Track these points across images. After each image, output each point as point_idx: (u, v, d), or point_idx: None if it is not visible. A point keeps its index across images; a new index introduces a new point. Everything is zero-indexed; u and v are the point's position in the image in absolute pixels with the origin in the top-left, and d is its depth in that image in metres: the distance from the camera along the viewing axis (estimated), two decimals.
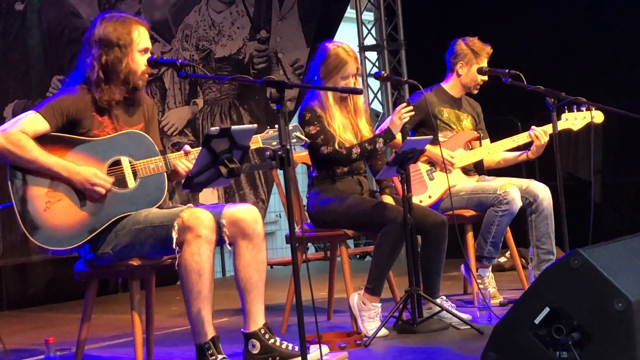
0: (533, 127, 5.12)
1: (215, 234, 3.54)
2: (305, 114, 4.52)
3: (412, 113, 4.51)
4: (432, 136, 4.72)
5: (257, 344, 3.63)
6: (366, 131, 4.62)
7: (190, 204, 3.69)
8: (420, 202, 4.98)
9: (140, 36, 3.71)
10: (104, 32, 3.67)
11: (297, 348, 3.58)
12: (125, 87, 3.72)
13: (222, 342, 3.62)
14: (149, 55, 3.74)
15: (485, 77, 5.25)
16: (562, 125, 5.07)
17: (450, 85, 5.33)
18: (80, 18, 7.00)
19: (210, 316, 3.53)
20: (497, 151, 5.26)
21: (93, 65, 3.67)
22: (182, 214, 3.52)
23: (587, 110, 5.01)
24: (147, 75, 3.76)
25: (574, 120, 5.11)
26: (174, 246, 3.50)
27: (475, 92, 5.33)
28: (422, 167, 5.13)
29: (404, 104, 4.51)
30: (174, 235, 3.50)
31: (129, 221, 3.62)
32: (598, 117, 5.05)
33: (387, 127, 4.51)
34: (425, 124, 5.13)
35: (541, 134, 5.07)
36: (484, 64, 5.23)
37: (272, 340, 3.64)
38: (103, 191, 3.57)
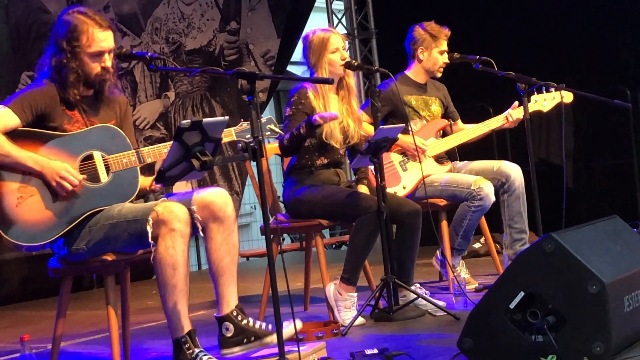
0: (509, 111, 5.19)
1: (190, 226, 3.52)
2: (294, 95, 4.53)
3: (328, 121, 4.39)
4: (404, 125, 4.73)
5: (231, 327, 3.60)
6: (355, 116, 4.62)
7: (164, 197, 3.67)
8: (395, 193, 4.99)
9: (91, 40, 3.63)
10: (57, 31, 3.66)
11: (270, 327, 3.58)
12: (85, 86, 3.69)
13: (200, 335, 3.61)
14: (105, 56, 3.66)
15: (446, 59, 5.26)
16: (532, 107, 5.10)
17: (414, 72, 5.34)
18: (48, 13, 6.94)
19: (186, 310, 3.52)
20: (469, 138, 5.27)
21: (49, 64, 3.66)
22: (156, 207, 3.51)
23: (556, 90, 5.04)
24: (106, 76, 3.69)
25: (543, 101, 5.15)
26: (149, 240, 3.48)
27: (439, 75, 5.33)
28: (394, 158, 5.14)
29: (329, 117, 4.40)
30: (149, 229, 3.48)
31: (102, 216, 3.60)
32: (567, 97, 5.10)
33: (310, 119, 4.36)
34: (395, 114, 5.14)
35: (515, 120, 5.15)
36: (444, 46, 5.25)
37: (245, 321, 3.61)
38: (69, 187, 3.54)
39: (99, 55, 3.66)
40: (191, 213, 3.56)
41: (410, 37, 5.30)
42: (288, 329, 3.47)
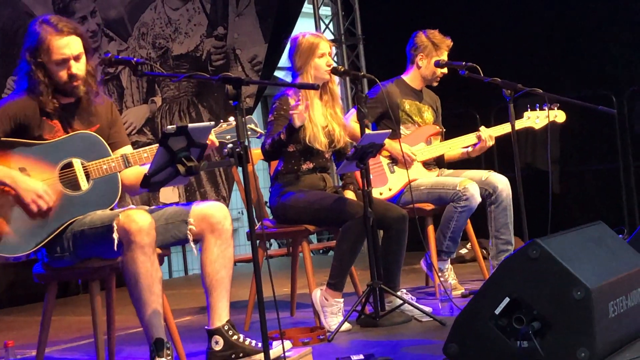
0: (482, 128, 5.19)
1: (152, 235, 3.46)
2: (275, 102, 4.53)
3: (305, 113, 4.33)
4: (390, 130, 4.74)
5: (220, 341, 3.62)
6: (340, 121, 4.63)
7: (132, 205, 3.65)
8: (381, 194, 5.01)
9: (52, 48, 3.59)
10: (26, 43, 3.64)
11: (260, 345, 3.58)
12: (60, 94, 3.66)
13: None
14: (70, 63, 3.62)
15: (445, 70, 5.28)
16: (523, 123, 5.19)
17: (411, 77, 5.35)
18: (34, 18, 6.92)
19: (156, 319, 3.48)
20: (456, 146, 5.29)
21: (22, 73, 3.65)
22: (119, 215, 3.47)
23: (549, 109, 5.09)
24: (76, 82, 3.65)
25: (535, 118, 5.20)
26: (114, 248, 3.46)
27: (435, 84, 5.36)
28: (383, 160, 5.15)
29: (300, 102, 4.40)
30: (115, 236, 3.45)
31: (76, 224, 3.57)
32: (560, 116, 5.18)
33: (289, 122, 4.37)
34: (387, 116, 5.15)
35: (487, 138, 5.15)
36: (444, 56, 5.26)
37: (235, 337, 3.63)
38: (44, 207, 3.52)
39: (62, 62, 3.61)
40: (186, 224, 3.56)
41: (412, 43, 5.31)
42: (277, 349, 3.48)
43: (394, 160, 5.16)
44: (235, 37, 8.48)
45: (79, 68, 3.65)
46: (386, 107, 5.04)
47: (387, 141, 4.80)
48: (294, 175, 4.58)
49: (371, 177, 4.54)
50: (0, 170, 3.52)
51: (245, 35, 8.55)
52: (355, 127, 4.78)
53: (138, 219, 3.44)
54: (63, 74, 3.63)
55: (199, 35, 8.26)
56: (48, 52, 3.60)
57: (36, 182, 3.54)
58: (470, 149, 5.26)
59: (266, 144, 4.42)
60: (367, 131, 4.43)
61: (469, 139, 5.25)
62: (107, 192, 3.63)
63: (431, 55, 5.24)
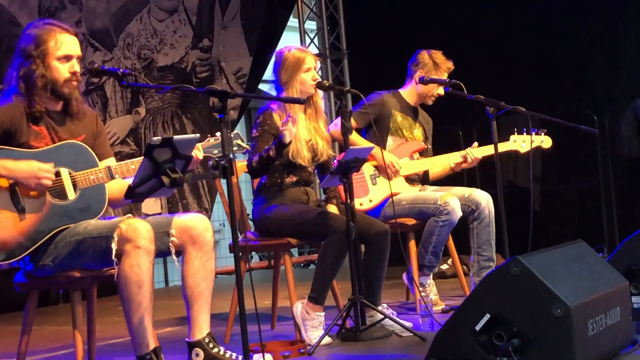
0: (469, 149, 5.23)
1: (155, 244, 3.51)
2: (259, 116, 4.53)
3: (293, 128, 4.33)
4: (373, 146, 4.76)
5: (201, 353, 3.62)
6: (323, 135, 4.65)
7: (130, 214, 3.66)
8: (361, 204, 5.05)
9: (59, 43, 3.64)
10: (25, 42, 3.65)
11: (240, 358, 3.58)
12: (53, 96, 3.68)
13: (165, 352, 3.60)
14: (73, 61, 3.67)
15: (442, 91, 5.33)
16: (509, 146, 5.26)
17: (408, 92, 5.41)
18: (19, 27, 6.91)
19: (151, 327, 3.51)
20: (440, 164, 5.33)
21: (15, 76, 3.65)
22: (120, 224, 3.49)
23: (536, 134, 5.18)
24: (74, 83, 3.69)
25: (522, 142, 5.25)
26: (112, 257, 3.46)
27: (430, 103, 5.40)
28: (366, 170, 5.18)
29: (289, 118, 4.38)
30: (113, 246, 3.46)
31: (68, 233, 3.57)
32: (546, 142, 5.25)
33: (279, 139, 4.35)
34: (378, 123, 5.19)
35: (474, 159, 5.22)
36: (444, 77, 5.30)
37: (215, 350, 3.63)
38: (49, 183, 3.52)
39: (67, 58, 3.65)
40: (168, 235, 3.57)
41: (414, 59, 5.37)
42: None
43: (377, 170, 5.19)
44: (220, 50, 8.50)
45: (78, 68, 3.69)
46: (379, 114, 5.09)
47: (377, 151, 4.85)
48: (277, 188, 4.59)
49: None
50: None
51: (231, 48, 8.58)
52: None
53: (141, 227, 3.47)
54: (64, 71, 3.65)
55: (184, 47, 8.28)
56: (56, 47, 3.63)
57: (29, 164, 3.51)
58: (452, 164, 5.31)
59: (253, 161, 4.40)
60: (351, 146, 4.45)
61: (454, 157, 5.29)
62: (94, 202, 3.63)
63: (430, 74, 5.29)
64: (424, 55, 5.35)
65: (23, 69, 3.63)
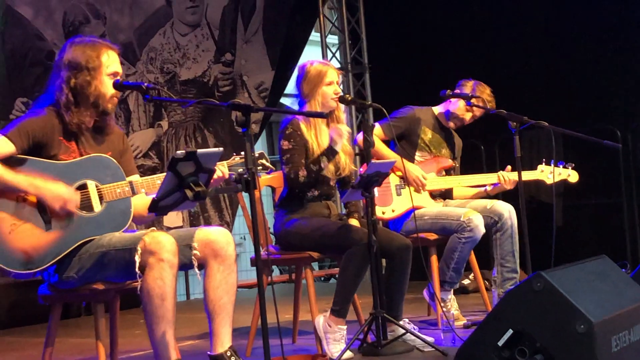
0: (501, 172, 5.22)
1: (178, 257, 3.53)
2: (287, 127, 4.55)
3: (346, 134, 4.51)
4: (395, 160, 4.76)
5: None
6: (346, 149, 4.66)
7: (154, 227, 3.68)
8: (383, 213, 5.07)
9: (110, 60, 3.73)
10: (73, 55, 3.70)
11: None
12: (95, 110, 3.73)
13: None
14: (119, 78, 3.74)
15: (471, 120, 5.33)
16: (537, 175, 5.24)
17: (441, 111, 5.42)
18: (44, 40, 6.97)
19: (173, 340, 3.52)
20: (467, 183, 5.32)
21: (62, 87, 3.68)
22: (144, 237, 3.51)
23: (564, 168, 5.17)
24: (116, 99, 3.77)
25: (549, 173, 5.21)
26: (136, 270, 3.48)
27: (453, 126, 5.41)
28: (392, 180, 5.19)
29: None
30: (137, 259, 3.48)
31: (92, 245, 3.60)
32: (573, 176, 5.22)
33: (329, 146, 4.52)
34: (406, 137, 5.21)
35: (508, 181, 5.20)
36: (477, 111, 5.29)
37: None
38: (74, 210, 3.56)
39: (114, 75, 3.73)
40: (190, 249, 3.58)
41: (459, 83, 5.39)
42: None
43: (403, 180, 5.20)
44: (242, 64, 8.54)
45: None
46: (407, 127, 5.12)
47: (406, 163, 4.85)
48: (299, 202, 4.60)
49: (376, 195, 4.58)
50: (22, 179, 3.53)
51: (253, 62, 8.61)
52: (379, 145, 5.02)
53: (165, 240, 3.49)
54: (111, 86, 3.71)
55: (206, 61, 8.32)
56: (107, 63, 3.71)
57: (58, 186, 3.55)
58: (489, 187, 5.30)
59: (299, 175, 4.45)
60: (373, 160, 4.46)
61: (481, 179, 5.28)
62: (119, 215, 3.66)
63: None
64: (467, 83, 5.36)
65: (75, 80, 3.68)
